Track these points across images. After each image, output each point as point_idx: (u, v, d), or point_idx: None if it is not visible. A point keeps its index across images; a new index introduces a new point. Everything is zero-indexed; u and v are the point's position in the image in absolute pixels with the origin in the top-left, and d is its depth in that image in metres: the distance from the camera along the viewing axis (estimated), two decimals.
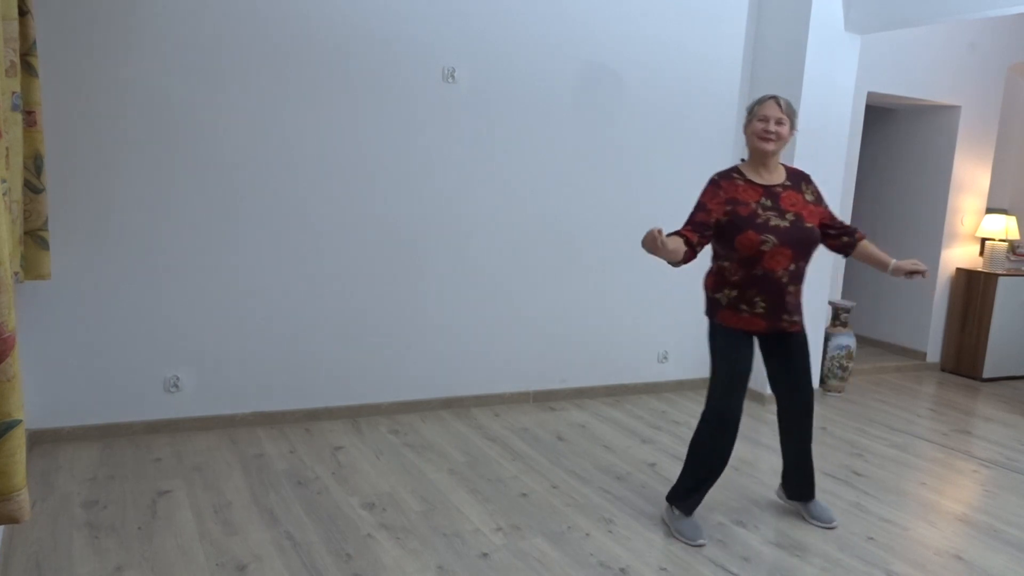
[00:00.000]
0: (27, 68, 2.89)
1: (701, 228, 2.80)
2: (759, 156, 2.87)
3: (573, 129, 4.37)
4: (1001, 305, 5.73)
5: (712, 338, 2.94)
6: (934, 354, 6.06)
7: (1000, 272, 5.73)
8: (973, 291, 5.83)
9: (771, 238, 2.74)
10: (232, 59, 3.56)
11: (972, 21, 5.62)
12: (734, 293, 2.85)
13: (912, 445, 4.18)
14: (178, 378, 3.68)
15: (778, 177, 2.90)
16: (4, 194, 2.08)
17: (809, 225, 2.83)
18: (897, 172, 6.25)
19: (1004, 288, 5.71)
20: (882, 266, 2.94)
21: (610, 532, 2.92)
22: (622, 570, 2.64)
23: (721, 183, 2.85)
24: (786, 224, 2.78)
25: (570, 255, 4.49)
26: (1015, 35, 5.87)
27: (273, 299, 3.81)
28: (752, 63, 4.86)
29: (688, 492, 2.95)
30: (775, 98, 2.83)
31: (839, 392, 5.16)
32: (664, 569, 2.66)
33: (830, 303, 5.16)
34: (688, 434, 4.12)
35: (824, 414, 4.69)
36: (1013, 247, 6.08)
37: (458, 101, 4.06)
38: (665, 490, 3.34)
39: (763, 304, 2.84)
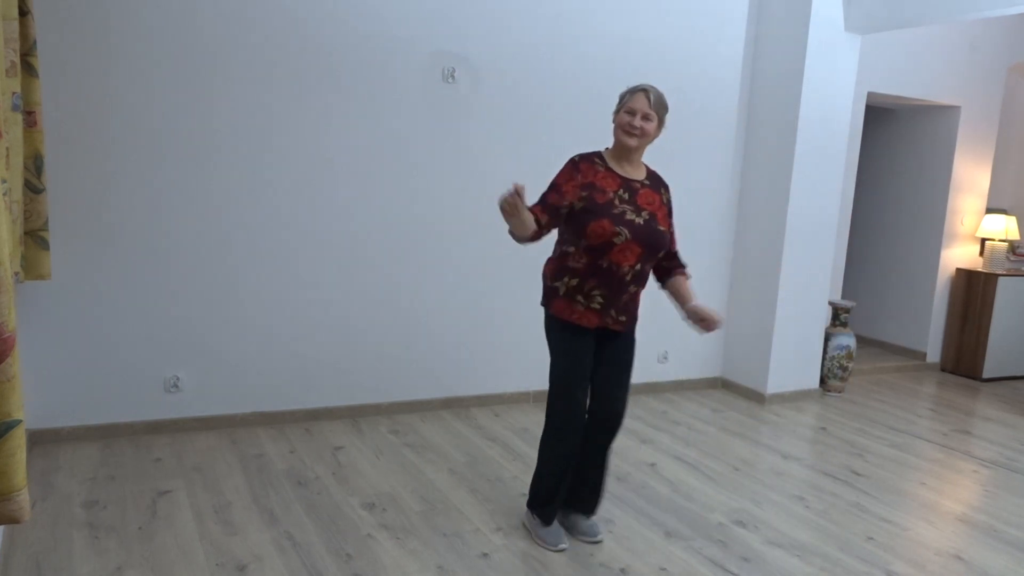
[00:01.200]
0: (27, 68, 2.89)
1: (552, 210, 2.65)
2: (622, 149, 2.71)
3: (573, 128, 4.37)
4: (1001, 305, 5.73)
5: (549, 331, 2.77)
6: (934, 354, 6.06)
7: (1000, 272, 5.73)
8: (973, 291, 5.83)
9: (625, 231, 2.59)
10: (232, 60, 3.56)
11: (972, 21, 5.62)
12: (574, 282, 2.67)
13: (912, 445, 4.18)
14: (178, 378, 3.68)
15: (639, 174, 2.76)
16: (4, 194, 2.08)
17: (662, 228, 2.69)
18: (897, 172, 6.25)
19: (1004, 288, 5.71)
20: (683, 302, 2.76)
21: (610, 532, 2.92)
22: (622, 570, 2.64)
23: (580, 165, 2.70)
24: (640, 221, 2.64)
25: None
26: (1015, 35, 5.88)
27: (273, 299, 3.81)
28: (752, 63, 4.86)
29: (543, 500, 2.81)
30: (645, 91, 2.65)
31: (839, 392, 5.16)
32: (664, 569, 2.66)
33: (830, 303, 5.16)
34: (688, 434, 4.12)
35: (824, 414, 4.69)
36: (1013, 247, 6.08)
37: (458, 101, 4.06)
38: (665, 490, 3.35)
39: (600, 299, 2.66)
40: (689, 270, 2.88)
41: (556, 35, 4.23)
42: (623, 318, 2.73)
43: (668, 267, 2.83)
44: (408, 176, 4.01)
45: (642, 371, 4.84)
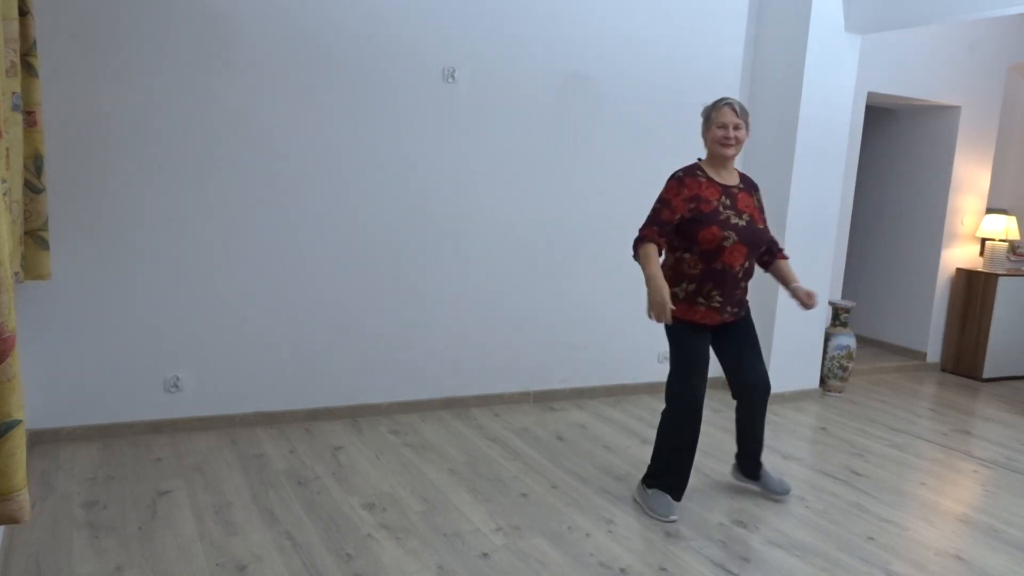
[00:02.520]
0: (27, 68, 2.90)
1: (665, 226, 2.94)
2: (719, 159, 3.00)
3: (573, 129, 4.37)
4: (1001, 305, 5.73)
5: (670, 331, 3.05)
6: (934, 354, 6.06)
7: (1000, 272, 5.73)
8: (973, 291, 5.83)
9: (732, 235, 2.91)
10: (232, 60, 3.56)
11: (972, 21, 5.62)
12: (692, 287, 2.99)
13: (912, 445, 4.18)
14: (178, 378, 3.68)
15: (734, 179, 3.06)
16: (4, 194, 2.08)
17: (761, 227, 3.04)
18: (897, 172, 6.25)
19: (1004, 288, 5.71)
20: (786, 283, 3.15)
21: (610, 532, 2.92)
22: (622, 570, 2.64)
23: (685, 180, 2.96)
24: (743, 223, 2.96)
25: (570, 255, 4.49)
26: (1015, 35, 5.88)
27: (273, 299, 3.81)
28: (752, 63, 4.86)
29: (671, 480, 3.09)
30: (729, 103, 2.95)
31: (839, 392, 5.16)
32: (664, 569, 2.66)
33: (830, 303, 5.16)
34: None
35: (824, 414, 4.69)
36: (1013, 247, 6.08)
37: (458, 101, 4.06)
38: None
39: (719, 298, 2.99)
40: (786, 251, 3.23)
41: (556, 35, 4.23)
42: (736, 310, 3.08)
43: (772, 252, 3.20)
44: (408, 176, 4.01)
45: (642, 371, 4.84)
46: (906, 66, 5.46)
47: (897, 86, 5.45)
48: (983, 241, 6.00)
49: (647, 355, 4.83)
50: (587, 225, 4.51)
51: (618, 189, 4.55)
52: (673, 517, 3.03)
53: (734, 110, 2.93)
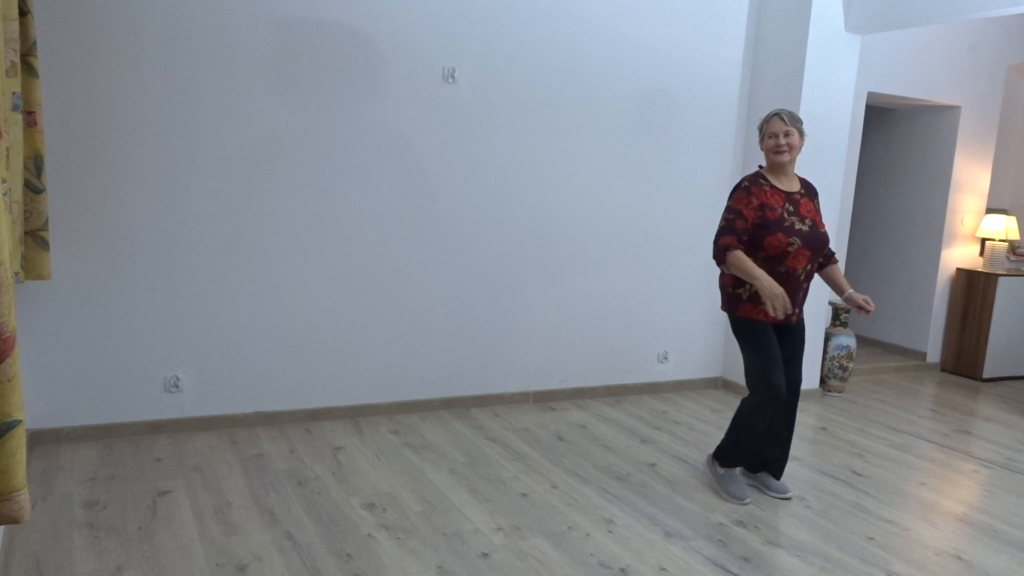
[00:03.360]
0: (27, 68, 2.90)
1: (742, 235, 3.09)
2: (777, 166, 3.14)
3: (572, 129, 4.37)
4: (1001, 305, 5.73)
5: (739, 331, 3.20)
6: (934, 354, 6.06)
7: (1000, 272, 5.73)
8: (973, 291, 5.83)
9: (796, 240, 3.05)
10: (231, 59, 3.56)
11: (972, 21, 5.62)
12: (755, 289, 3.09)
13: (912, 445, 4.18)
14: (178, 378, 3.68)
15: (795, 186, 3.19)
16: (4, 194, 2.08)
17: (823, 231, 3.16)
18: (897, 172, 6.25)
19: (1004, 288, 5.71)
20: (839, 291, 3.26)
21: (610, 532, 2.92)
22: (622, 570, 2.64)
23: (752, 189, 3.10)
24: (806, 228, 3.09)
25: (570, 255, 4.49)
26: (1015, 35, 5.88)
27: (273, 299, 3.81)
28: (752, 63, 4.86)
29: (748, 460, 3.31)
30: (779, 114, 3.09)
31: (839, 392, 5.16)
32: (664, 569, 2.67)
33: (830, 303, 5.16)
34: (688, 434, 4.13)
35: (824, 414, 4.69)
36: (1013, 247, 6.08)
37: (458, 101, 4.06)
38: (665, 490, 3.35)
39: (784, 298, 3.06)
40: (836, 256, 3.38)
41: (556, 35, 4.23)
42: (798, 310, 3.20)
43: (826, 259, 3.32)
44: (408, 177, 4.01)
45: (642, 371, 4.84)
46: (906, 66, 5.46)
47: (897, 86, 5.45)
48: (983, 241, 6.00)
49: (647, 355, 4.83)
50: (587, 225, 4.51)
51: (618, 189, 4.55)
52: (748, 500, 3.22)
53: (783, 119, 3.07)
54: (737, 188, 3.13)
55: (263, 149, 3.69)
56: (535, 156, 4.30)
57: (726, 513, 3.16)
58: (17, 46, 2.63)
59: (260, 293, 3.78)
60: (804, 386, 4.97)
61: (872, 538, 3.00)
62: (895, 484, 3.59)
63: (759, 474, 3.42)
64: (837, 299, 5.33)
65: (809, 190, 3.24)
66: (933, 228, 5.96)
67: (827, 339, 5.10)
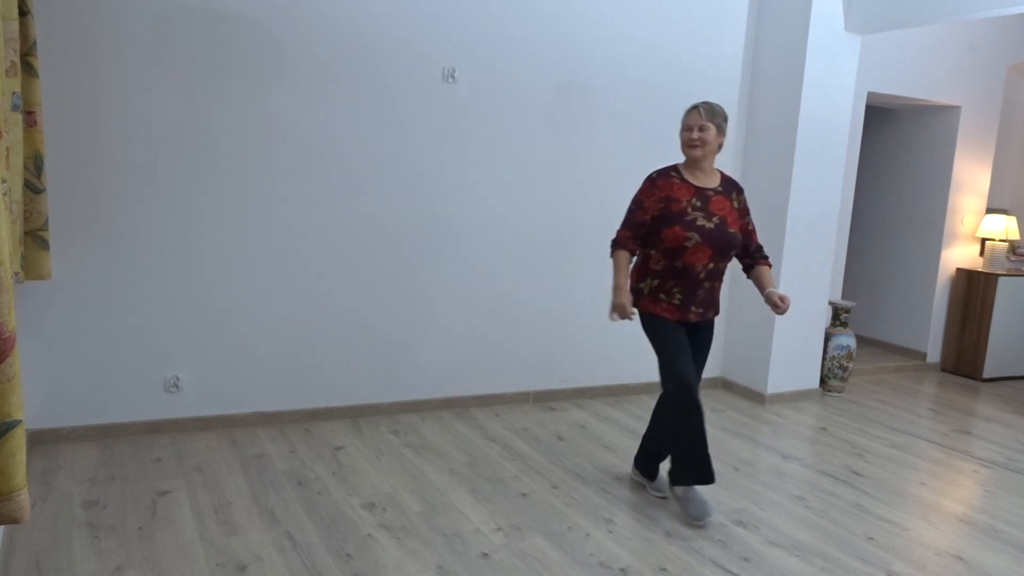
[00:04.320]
0: (27, 68, 2.90)
1: (638, 228, 3.06)
2: (692, 161, 3.05)
3: (573, 129, 4.37)
4: (1001, 305, 5.73)
5: (644, 325, 3.13)
6: (934, 354, 6.06)
7: (1000, 272, 5.73)
8: (973, 291, 5.83)
9: (695, 236, 2.95)
10: (231, 59, 3.56)
11: (972, 21, 5.62)
12: (655, 283, 3.06)
13: (912, 445, 4.18)
14: (178, 378, 3.68)
15: (712, 182, 3.08)
16: (4, 194, 2.08)
17: (732, 231, 3.03)
18: (897, 172, 6.25)
19: (1004, 288, 5.71)
20: (761, 289, 3.13)
21: (610, 532, 2.92)
22: (622, 570, 2.64)
23: (658, 181, 3.05)
24: (710, 226, 2.98)
25: (570, 255, 4.49)
26: (1015, 35, 5.88)
27: (273, 299, 3.81)
28: (752, 63, 4.86)
29: (683, 470, 3.07)
30: (697, 107, 3.00)
31: (839, 392, 5.16)
32: (664, 569, 2.66)
33: (830, 303, 5.16)
34: None
35: (824, 414, 4.69)
36: (1013, 247, 6.08)
37: (458, 101, 4.06)
38: (665, 490, 3.34)
39: (680, 295, 3.04)
40: (769, 263, 3.22)
41: (556, 35, 4.23)
42: (701, 310, 3.09)
43: (752, 259, 3.21)
44: (408, 177, 4.01)
45: (642, 371, 4.84)
46: (906, 66, 5.46)
47: (897, 86, 5.45)
48: (983, 241, 6.00)
49: (647, 355, 4.83)
50: (587, 225, 4.51)
51: (618, 189, 4.54)
52: (711, 517, 3.02)
53: (699, 113, 2.98)
54: (646, 179, 3.09)
55: (262, 149, 3.68)
56: (535, 156, 4.30)
57: (726, 513, 3.15)
58: (17, 46, 2.63)
59: (260, 293, 3.78)
60: (804, 386, 4.97)
61: (872, 538, 3.00)
62: (895, 484, 3.59)
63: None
64: (837, 299, 5.33)
65: (729, 188, 3.11)
66: (933, 228, 5.96)
67: (827, 339, 5.10)
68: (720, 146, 3.04)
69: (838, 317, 5.18)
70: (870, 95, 5.47)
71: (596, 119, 4.43)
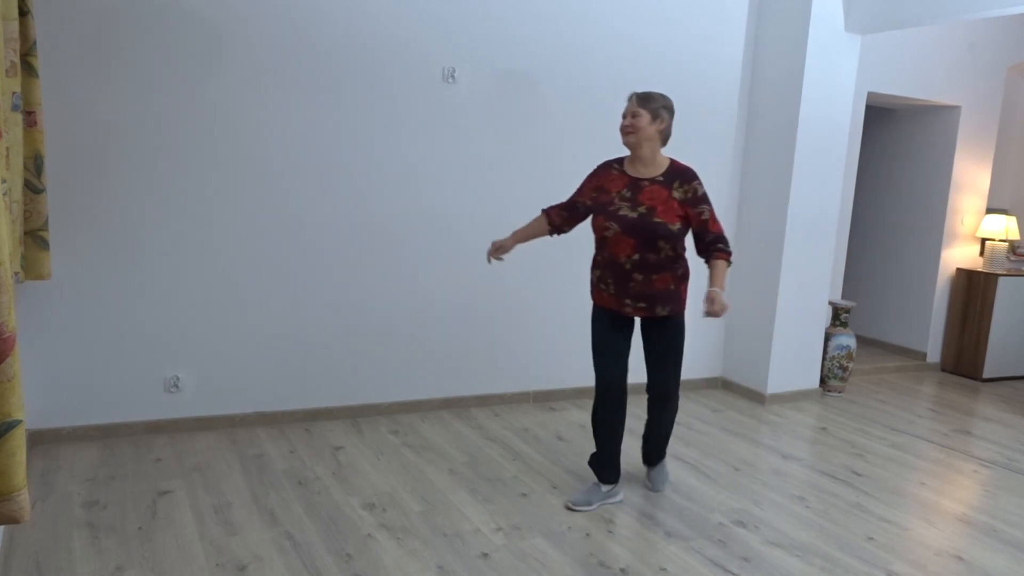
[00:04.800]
0: (27, 68, 2.90)
1: (570, 207, 3.15)
2: (630, 150, 3.01)
3: (573, 129, 4.37)
4: (1001, 305, 5.73)
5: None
6: (934, 354, 6.06)
7: (1000, 272, 5.73)
8: (973, 291, 5.83)
9: (614, 226, 2.92)
10: (232, 59, 3.56)
11: (972, 21, 5.62)
12: (597, 272, 3.09)
13: (912, 445, 4.18)
14: (178, 378, 3.68)
15: (653, 171, 2.98)
16: (4, 194, 2.08)
17: (658, 220, 2.88)
18: (897, 172, 6.25)
19: (1004, 288, 5.71)
20: (709, 283, 2.96)
21: (610, 532, 2.92)
22: (622, 570, 2.64)
23: (598, 170, 3.10)
24: (633, 216, 2.90)
25: (570, 254, 4.49)
26: (1015, 35, 5.88)
27: (273, 299, 3.81)
28: (752, 63, 4.86)
29: (595, 461, 3.20)
30: (633, 94, 2.96)
31: (839, 392, 5.16)
32: (664, 569, 2.66)
33: (830, 303, 5.16)
34: (688, 434, 4.13)
35: (824, 414, 4.69)
36: (1013, 247, 6.08)
37: (458, 101, 4.06)
38: (665, 490, 3.35)
39: (613, 286, 3.01)
40: (727, 255, 2.99)
41: (556, 35, 4.23)
42: (642, 304, 2.99)
43: (709, 250, 3.01)
44: (408, 177, 4.01)
45: (643, 371, 4.82)
46: (906, 66, 5.46)
47: (897, 86, 5.45)
48: (983, 241, 6.00)
49: None
50: (587, 225, 4.50)
51: None
52: (579, 508, 3.06)
53: (632, 100, 2.94)
54: (595, 167, 3.15)
55: (263, 149, 3.68)
56: (535, 156, 4.30)
57: (726, 513, 3.16)
58: (17, 46, 2.63)
59: (260, 293, 3.78)
60: (804, 386, 4.97)
61: (872, 538, 3.00)
62: (895, 484, 3.59)
63: (649, 471, 3.38)
64: (837, 299, 5.33)
65: (672, 178, 2.94)
66: (933, 228, 5.96)
67: (827, 339, 5.10)
68: (661, 134, 2.93)
69: (838, 317, 5.18)
70: (870, 95, 5.47)
71: (596, 119, 4.43)
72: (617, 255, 2.94)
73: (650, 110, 2.89)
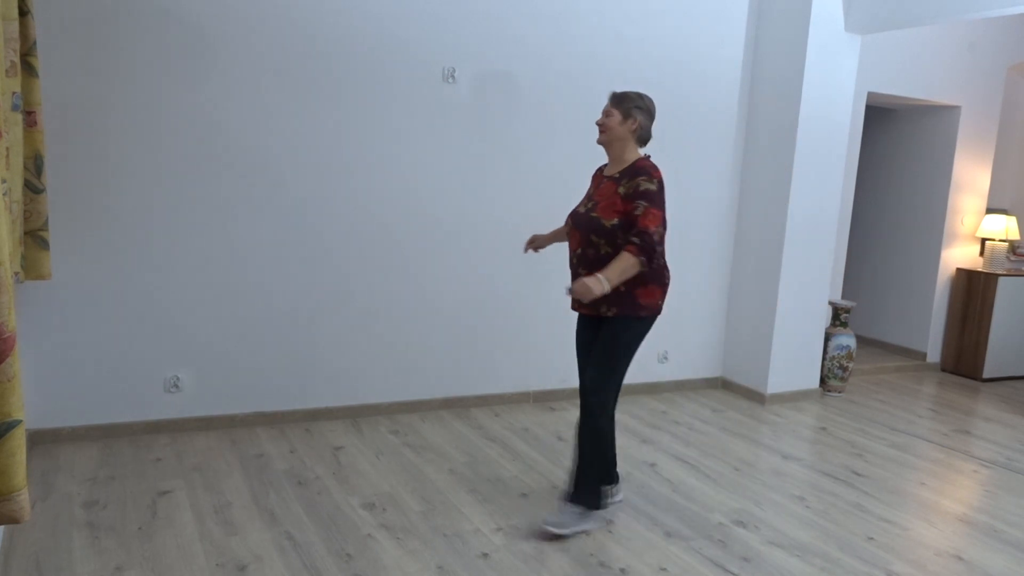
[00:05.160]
0: (27, 68, 2.89)
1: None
2: (606, 150, 2.98)
3: (573, 129, 4.37)
4: (1001, 305, 5.73)
5: None
6: (934, 354, 6.06)
7: (1000, 272, 5.73)
8: (973, 291, 5.83)
9: (570, 221, 3.00)
10: (232, 59, 3.56)
11: (972, 21, 5.62)
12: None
13: (912, 445, 4.18)
14: (178, 378, 3.68)
15: (616, 169, 2.92)
16: (4, 194, 2.08)
17: (595, 215, 2.84)
18: (897, 172, 6.25)
19: (1004, 288, 5.71)
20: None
21: (610, 532, 2.92)
22: (622, 570, 2.64)
23: (595, 172, 3.12)
24: (582, 211, 2.94)
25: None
26: (1015, 35, 5.88)
27: (273, 299, 3.81)
28: (752, 63, 4.86)
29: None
30: (611, 93, 2.95)
31: (839, 392, 5.16)
32: (664, 569, 2.66)
33: (830, 303, 5.16)
34: (688, 434, 4.12)
35: (824, 414, 4.69)
36: (1013, 247, 6.08)
37: (458, 101, 4.06)
38: (665, 490, 3.34)
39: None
40: (636, 249, 2.73)
41: (556, 35, 4.23)
42: (584, 301, 2.79)
43: (626, 241, 2.79)
44: (408, 177, 4.01)
45: (642, 371, 4.84)
46: (906, 66, 5.46)
47: (897, 86, 5.45)
48: (983, 241, 6.00)
49: (647, 355, 4.83)
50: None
51: None
52: (554, 529, 2.82)
53: (608, 99, 2.93)
54: None
55: (263, 149, 3.68)
56: (535, 156, 4.30)
57: (726, 513, 3.16)
58: (17, 46, 2.63)
59: (260, 293, 3.78)
60: (804, 386, 4.97)
61: (872, 538, 3.00)
62: (895, 484, 3.59)
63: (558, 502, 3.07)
64: (837, 299, 5.33)
65: (624, 175, 2.86)
66: (933, 228, 5.96)
67: (827, 339, 5.10)
68: (634, 133, 2.87)
69: (838, 317, 5.18)
70: (870, 95, 5.47)
71: (594, 119, 4.43)
72: (574, 249, 2.97)
73: (622, 110, 2.87)
